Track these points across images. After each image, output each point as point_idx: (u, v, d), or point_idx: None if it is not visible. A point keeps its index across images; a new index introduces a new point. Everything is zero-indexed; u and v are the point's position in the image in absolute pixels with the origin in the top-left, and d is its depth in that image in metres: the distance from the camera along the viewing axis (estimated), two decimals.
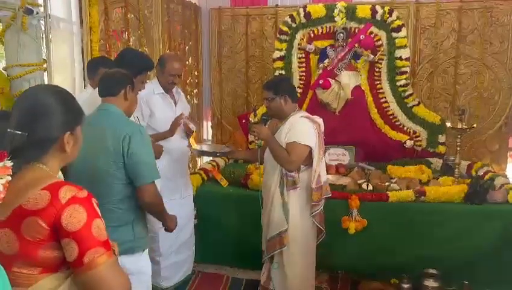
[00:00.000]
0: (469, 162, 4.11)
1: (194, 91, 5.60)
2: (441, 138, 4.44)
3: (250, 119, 4.08)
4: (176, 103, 3.34)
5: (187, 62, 5.34)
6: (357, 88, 4.60)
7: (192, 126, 3.35)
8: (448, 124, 3.79)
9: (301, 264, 2.81)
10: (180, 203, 3.34)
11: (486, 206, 3.31)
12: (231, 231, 3.69)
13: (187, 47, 5.35)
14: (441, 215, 3.35)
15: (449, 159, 4.15)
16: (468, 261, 3.32)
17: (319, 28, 4.67)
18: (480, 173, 3.83)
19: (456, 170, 3.69)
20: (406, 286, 3.30)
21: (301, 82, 4.73)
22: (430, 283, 3.27)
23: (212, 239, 3.74)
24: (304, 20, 4.62)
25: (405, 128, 4.53)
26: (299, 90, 4.58)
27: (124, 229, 2.10)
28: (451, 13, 4.96)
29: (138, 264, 2.19)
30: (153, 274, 2.38)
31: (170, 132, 3.17)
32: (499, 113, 5.04)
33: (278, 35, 4.73)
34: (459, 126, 3.54)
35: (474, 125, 3.65)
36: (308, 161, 2.69)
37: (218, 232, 3.71)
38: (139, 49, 3.86)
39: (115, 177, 2.05)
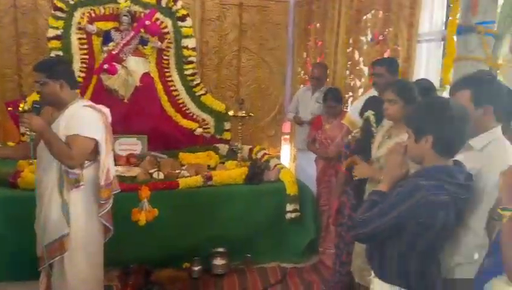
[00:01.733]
0: (250, 147, 4.53)
1: None
2: (226, 125, 4.77)
3: (21, 107, 3.50)
4: None
5: None
6: (146, 75, 4.50)
7: None
8: (231, 113, 4.07)
9: (86, 268, 2.54)
10: None
11: (263, 185, 3.71)
12: None
13: None
14: (226, 196, 3.59)
15: (233, 145, 4.49)
16: (250, 236, 3.66)
17: (101, 8, 4.35)
18: (259, 155, 4.26)
19: (239, 154, 4.01)
20: (196, 268, 3.42)
21: (83, 66, 4.34)
22: (218, 261, 3.49)
23: None
24: None
25: (195, 116, 4.69)
26: (81, 75, 4.19)
27: None
28: (233, 8, 5.33)
29: None
30: None
31: None
32: (274, 102, 5.72)
33: (53, 12, 4.22)
34: (239, 114, 3.84)
35: (251, 113, 4.03)
36: (94, 155, 2.44)
37: None
38: None
39: None
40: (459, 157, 1.76)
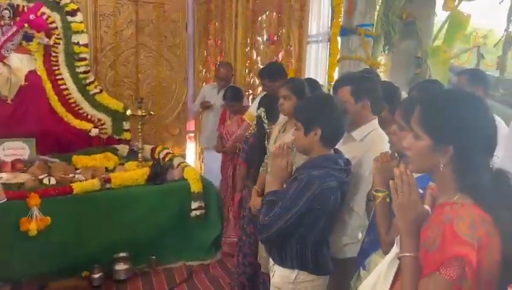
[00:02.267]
0: (152, 146, 4.43)
1: None
2: (126, 125, 4.59)
3: None
4: None
5: None
6: (33, 73, 4.15)
7: None
8: (129, 112, 3.93)
9: None
10: None
11: (166, 184, 3.65)
12: None
13: None
14: (127, 199, 3.46)
15: (134, 145, 4.35)
16: (155, 238, 3.58)
17: None
18: (162, 155, 4.19)
19: (140, 154, 3.90)
20: (96, 275, 3.26)
21: None
22: (120, 266, 3.36)
23: None
24: None
25: (89, 116, 4.44)
26: None
27: None
28: (128, 4, 5.14)
29: None
30: None
31: None
32: (177, 101, 5.66)
33: None
34: (138, 113, 3.73)
35: (152, 112, 3.94)
36: None
37: None
38: None
39: None
40: (343, 148, 1.93)
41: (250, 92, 4.38)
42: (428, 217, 1.14)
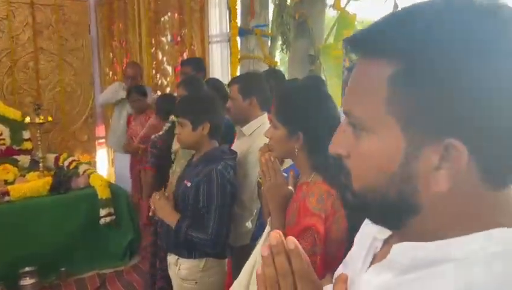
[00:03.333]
0: (56, 155, 4.23)
1: None
2: (26, 134, 4.33)
3: None
4: None
5: None
6: None
7: None
8: (27, 119, 3.74)
9: None
10: None
11: (72, 193, 3.53)
12: None
13: None
14: (29, 211, 3.30)
15: (35, 155, 4.13)
16: (64, 249, 3.45)
17: None
18: (66, 163, 4.03)
19: (41, 164, 3.72)
20: None
21: None
22: (26, 281, 3.20)
23: None
24: None
25: None
26: None
27: None
28: (23, 7, 4.85)
29: None
30: None
31: None
32: (84, 106, 5.44)
33: None
34: (37, 121, 3.56)
35: (50, 118, 3.77)
36: None
37: None
38: None
39: None
40: (235, 143, 2.05)
41: (159, 92, 4.37)
42: (292, 196, 1.28)
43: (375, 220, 0.58)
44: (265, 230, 1.37)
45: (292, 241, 0.59)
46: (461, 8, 0.47)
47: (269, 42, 3.46)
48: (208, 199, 1.79)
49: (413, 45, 0.47)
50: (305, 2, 3.52)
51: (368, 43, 0.51)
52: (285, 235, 1.19)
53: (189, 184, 1.86)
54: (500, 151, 0.47)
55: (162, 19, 4.16)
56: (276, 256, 0.59)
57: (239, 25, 3.32)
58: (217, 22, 3.55)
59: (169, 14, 4.06)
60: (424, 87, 0.46)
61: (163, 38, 4.19)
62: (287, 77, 3.53)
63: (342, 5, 3.57)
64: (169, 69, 4.17)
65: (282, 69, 3.70)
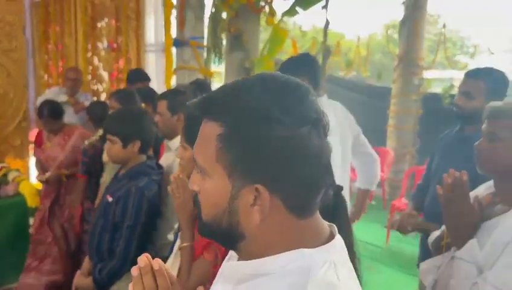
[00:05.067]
0: None
1: None
2: None
3: None
4: None
5: None
6: None
7: None
8: None
9: None
10: None
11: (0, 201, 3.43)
12: None
13: None
14: None
15: None
16: None
17: None
18: None
19: None
20: None
21: None
22: None
23: None
24: None
25: None
26: None
27: None
28: None
29: None
30: None
31: None
32: (17, 109, 5.23)
33: None
34: None
35: None
36: None
37: None
38: None
39: None
40: (163, 156, 2.12)
41: (95, 98, 4.33)
42: None
43: (221, 244, 0.74)
44: (177, 243, 1.46)
45: (157, 263, 0.72)
46: (268, 87, 0.64)
47: (205, 54, 3.56)
48: (121, 216, 1.82)
49: (233, 113, 0.63)
50: (241, 17, 3.67)
51: (206, 108, 0.67)
52: (194, 248, 1.30)
53: (110, 199, 1.88)
54: (296, 192, 0.64)
55: (99, 24, 4.14)
56: (144, 275, 0.71)
57: (174, 36, 3.39)
58: (153, 31, 3.60)
59: (106, 20, 4.05)
60: (239, 146, 0.62)
61: (100, 44, 4.17)
62: None
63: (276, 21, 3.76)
64: (106, 75, 4.15)
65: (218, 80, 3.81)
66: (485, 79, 1.83)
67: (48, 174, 3.13)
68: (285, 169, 0.62)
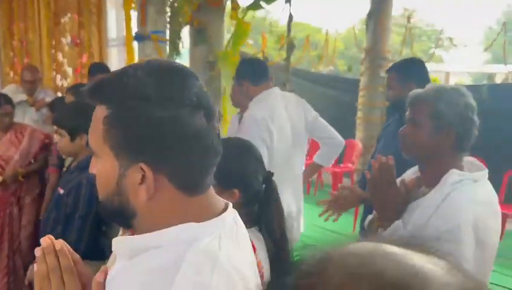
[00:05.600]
0: None
1: None
2: None
3: None
4: None
5: None
6: None
7: None
8: None
9: None
10: None
11: None
12: None
13: None
14: None
15: None
16: None
17: None
18: None
19: None
20: None
21: None
22: None
23: None
24: None
25: None
26: None
27: None
28: None
29: None
30: None
31: None
32: None
33: None
34: None
35: None
36: None
37: None
38: None
39: None
40: None
41: (60, 94, 4.29)
42: None
43: (117, 223, 0.76)
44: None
45: (59, 243, 0.75)
46: (151, 71, 0.67)
47: (167, 48, 3.57)
48: (73, 207, 1.83)
49: (117, 96, 0.66)
50: (203, 11, 3.68)
51: (95, 93, 0.70)
52: None
53: (62, 191, 1.89)
54: (180, 171, 0.68)
55: (62, 20, 4.10)
56: (47, 255, 0.74)
57: (136, 30, 3.39)
58: (115, 26, 3.59)
59: (69, 15, 4.02)
60: (121, 127, 0.66)
61: (64, 40, 4.13)
62: None
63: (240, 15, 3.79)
64: (70, 70, 4.12)
65: None
66: (397, 70, 2.07)
67: (4, 174, 2.87)
68: (165, 149, 0.65)
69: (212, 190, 0.75)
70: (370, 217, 1.61)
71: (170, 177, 0.67)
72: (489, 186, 1.38)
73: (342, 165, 5.63)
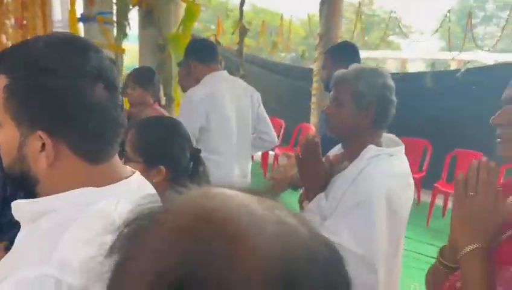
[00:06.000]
0: None
1: None
2: None
3: None
4: None
5: None
6: None
7: None
8: None
9: None
10: None
11: None
12: None
13: None
14: None
15: None
16: None
17: None
18: None
19: None
20: None
21: None
22: None
23: None
24: None
25: None
26: None
27: None
28: None
29: None
30: None
31: None
32: None
33: None
34: None
35: None
36: None
37: None
38: None
39: None
40: None
41: None
42: None
43: (22, 191, 0.79)
44: None
45: None
46: (51, 42, 0.70)
47: (115, 30, 3.51)
48: None
49: (16, 65, 0.69)
50: None
51: None
52: None
53: None
54: (79, 139, 0.70)
55: (5, 0, 3.92)
56: None
57: (81, 11, 3.31)
58: (59, 7, 3.48)
59: None
60: (20, 96, 0.68)
61: (7, 21, 3.95)
62: (138, 65, 3.62)
63: None
64: None
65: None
66: (331, 52, 2.28)
67: None
68: (62, 117, 0.68)
69: (117, 159, 0.78)
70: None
71: (69, 145, 0.70)
72: (404, 160, 1.48)
73: (296, 148, 5.76)
